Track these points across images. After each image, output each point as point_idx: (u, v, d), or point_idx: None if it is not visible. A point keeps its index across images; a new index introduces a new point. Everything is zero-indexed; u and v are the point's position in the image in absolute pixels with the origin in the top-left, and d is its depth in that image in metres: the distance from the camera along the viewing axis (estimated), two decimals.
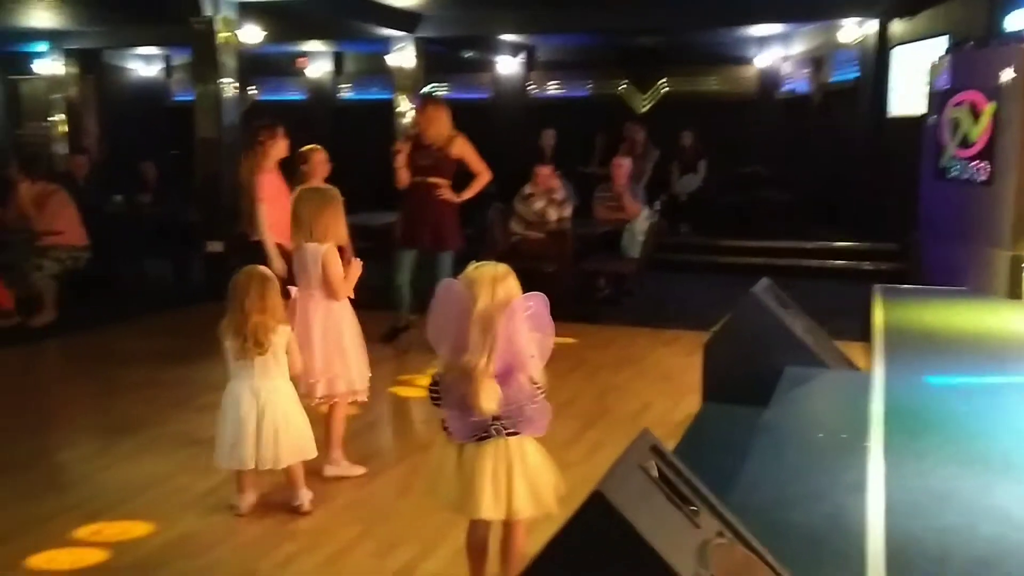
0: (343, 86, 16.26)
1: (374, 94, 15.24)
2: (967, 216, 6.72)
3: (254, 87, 15.29)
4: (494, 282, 2.78)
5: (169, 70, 16.26)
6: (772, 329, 4.55)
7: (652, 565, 1.98)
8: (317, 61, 15.76)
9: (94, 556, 3.48)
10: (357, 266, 4.29)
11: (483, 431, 2.84)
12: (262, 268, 3.83)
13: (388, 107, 13.28)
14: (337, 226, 4.22)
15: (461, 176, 6.77)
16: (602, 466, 4.15)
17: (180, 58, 15.43)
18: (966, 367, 4.41)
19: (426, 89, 13.34)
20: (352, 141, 12.85)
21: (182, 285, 9.38)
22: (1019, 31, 6.34)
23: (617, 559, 2.02)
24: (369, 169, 10.67)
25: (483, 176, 6.68)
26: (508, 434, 2.83)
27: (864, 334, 6.09)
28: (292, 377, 3.86)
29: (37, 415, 5.34)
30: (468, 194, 6.69)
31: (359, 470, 4.25)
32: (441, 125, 6.56)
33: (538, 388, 2.85)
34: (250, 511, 3.81)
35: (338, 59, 15.93)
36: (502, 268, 2.85)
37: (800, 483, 3.04)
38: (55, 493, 4.09)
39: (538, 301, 2.81)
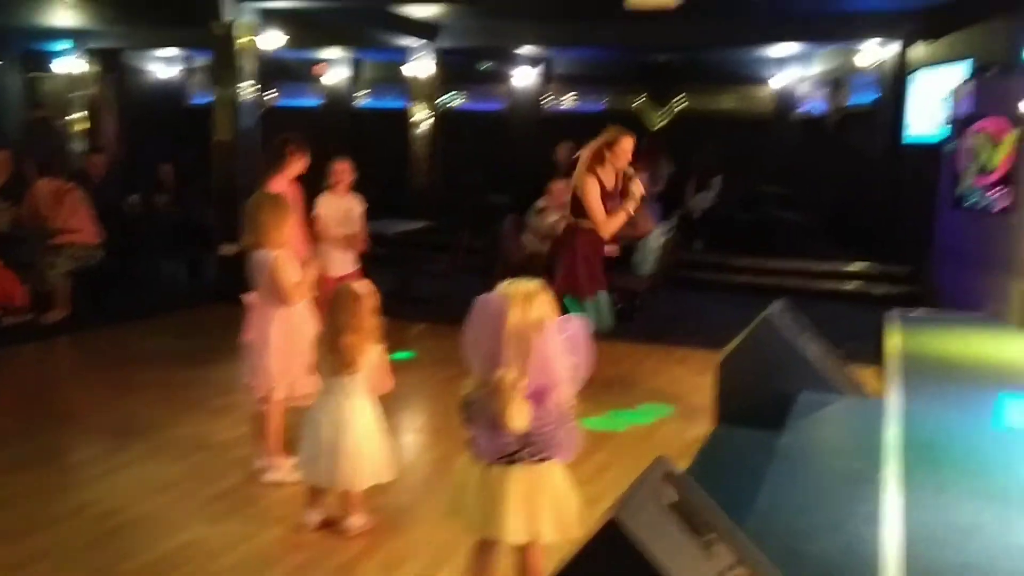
0: (359, 93, 16.30)
1: (390, 102, 15.29)
2: (983, 244, 6.68)
3: (272, 91, 15.34)
4: (528, 299, 2.77)
5: (189, 72, 16.32)
6: (786, 353, 4.52)
7: None
8: (335, 68, 15.80)
9: (101, 559, 3.47)
10: (312, 270, 4.30)
11: (511, 453, 2.82)
12: (356, 286, 3.79)
13: (403, 116, 13.31)
14: (285, 232, 4.22)
15: None
16: (609, 487, 4.21)
17: (200, 61, 15.48)
18: (984, 397, 4.36)
19: (443, 98, 13.39)
20: (367, 148, 12.90)
21: (195, 286, 9.40)
22: None
23: None
24: (384, 177, 10.70)
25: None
26: (538, 459, 2.82)
27: (876, 358, 6.04)
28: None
29: (48, 413, 5.33)
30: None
31: (296, 476, 4.06)
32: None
33: (570, 412, 2.83)
34: (314, 528, 3.76)
35: (356, 66, 15.98)
36: (535, 285, 2.84)
37: (816, 512, 3.00)
38: (64, 494, 4.09)
39: (576, 324, 2.80)
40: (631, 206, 5.84)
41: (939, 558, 2.61)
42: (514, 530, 2.82)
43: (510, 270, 6.96)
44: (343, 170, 6.33)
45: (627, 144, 5.82)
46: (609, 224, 5.84)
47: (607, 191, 5.84)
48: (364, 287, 3.73)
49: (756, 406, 4.42)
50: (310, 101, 16.30)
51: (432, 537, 3.65)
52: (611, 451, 4.85)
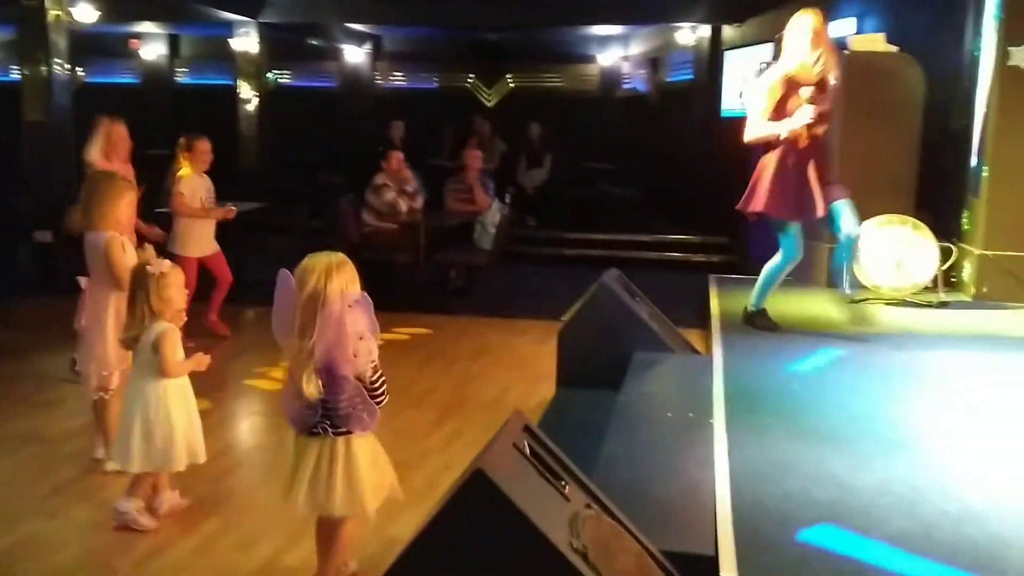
0: (180, 70, 15.63)
1: (213, 79, 14.74)
2: None
3: (81, 68, 14.45)
4: (327, 270, 2.82)
5: None
6: (622, 316, 4.78)
7: (530, 538, 2.09)
8: (151, 43, 15.06)
9: None
10: (145, 255, 4.19)
11: (312, 425, 2.90)
12: (158, 263, 3.63)
13: (229, 93, 12.90)
14: (118, 214, 4.12)
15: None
16: (462, 453, 4.35)
17: None
18: (795, 349, 4.78)
19: (271, 76, 13.06)
20: (190, 127, 12.43)
21: (5, 277, 8.79)
22: (840, 38, 6.86)
23: (497, 533, 2.12)
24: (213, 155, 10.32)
25: None
26: (336, 433, 2.89)
27: (701, 321, 6.47)
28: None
29: None
30: None
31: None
32: None
33: (372, 386, 2.91)
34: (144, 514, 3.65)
35: (173, 42, 15.29)
36: (337, 257, 2.89)
37: (655, 459, 3.24)
38: None
39: (362, 302, 2.84)
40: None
41: (762, 491, 2.89)
42: (304, 500, 2.92)
43: (350, 248, 6.95)
44: (206, 150, 6.36)
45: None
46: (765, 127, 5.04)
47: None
48: (167, 265, 3.62)
49: (595, 367, 4.65)
50: (127, 78, 15.48)
51: (285, 515, 3.63)
52: (461, 420, 4.99)
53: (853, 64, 6.47)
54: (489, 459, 2.17)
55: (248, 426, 5.18)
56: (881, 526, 2.64)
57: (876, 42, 6.80)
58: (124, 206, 4.12)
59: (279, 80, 14.79)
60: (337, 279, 2.85)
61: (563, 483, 2.41)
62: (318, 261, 2.87)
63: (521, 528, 2.09)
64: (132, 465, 3.56)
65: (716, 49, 11.35)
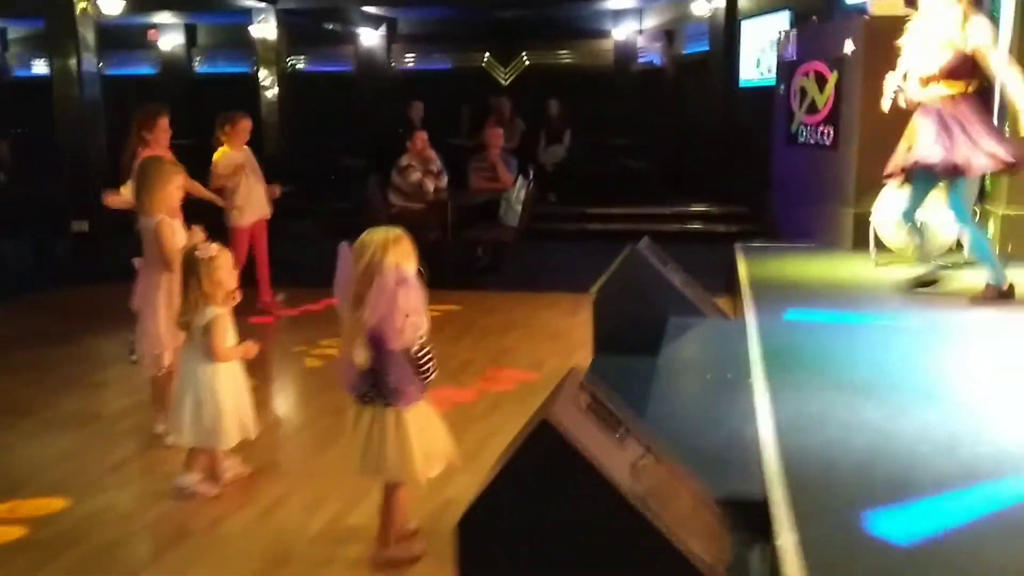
0: (198, 59, 15.77)
1: (231, 67, 14.89)
2: (815, 178, 7.32)
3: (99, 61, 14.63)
4: (384, 244, 2.98)
5: (6, 44, 15.30)
6: (656, 283, 4.91)
7: (595, 484, 2.24)
8: (169, 33, 15.20)
9: (13, 533, 3.47)
10: (195, 235, 4.26)
11: (363, 393, 3.07)
12: (207, 247, 3.77)
13: (247, 81, 13.04)
14: (166, 198, 4.26)
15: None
16: (505, 421, 4.51)
17: (16, 31, 14.54)
18: (825, 309, 4.90)
19: (290, 61, 13.17)
20: (210, 117, 12.58)
21: (44, 267, 9.00)
22: (859, 4, 6.93)
23: (563, 481, 2.26)
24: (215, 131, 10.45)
25: None
26: (385, 403, 3.04)
27: (728, 288, 6.58)
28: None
29: None
30: None
31: None
32: None
33: (419, 361, 3.05)
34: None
35: (190, 31, 15.42)
36: (395, 233, 3.05)
37: (698, 415, 3.38)
38: None
39: (415, 278, 2.98)
40: None
41: (805, 440, 3.02)
42: (359, 465, 3.10)
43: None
44: (246, 127, 6.64)
45: None
46: None
47: None
48: (215, 248, 3.75)
49: (631, 334, 4.77)
50: (145, 70, 15.64)
51: (344, 480, 3.80)
52: (500, 390, 5.14)
53: (874, 28, 6.54)
54: (553, 411, 2.31)
55: (295, 400, 5.36)
56: (923, 469, 2.77)
57: (895, 6, 6.85)
58: (173, 190, 4.28)
59: (296, 66, 14.92)
60: (393, 254, 2.99)
61: (620, 433, 2.55)
62: (376, 235, 3.02)
63: (587, 475, 2.23)
64: (183, 438, 3.74)
65: (732, 19, 11.38)
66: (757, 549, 2.53)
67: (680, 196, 11.61)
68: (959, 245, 6.16)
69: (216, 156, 6.55)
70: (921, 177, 5.09)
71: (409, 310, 2.99)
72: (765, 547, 2.53)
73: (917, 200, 5.19)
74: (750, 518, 2.61)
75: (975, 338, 4.40)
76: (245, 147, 6.68)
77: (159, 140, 5.70)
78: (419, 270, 3.10)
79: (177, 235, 4.23)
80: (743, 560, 2.43)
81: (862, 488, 2.66)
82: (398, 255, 3.01)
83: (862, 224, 6.46)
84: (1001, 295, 4.99)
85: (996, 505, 2.53)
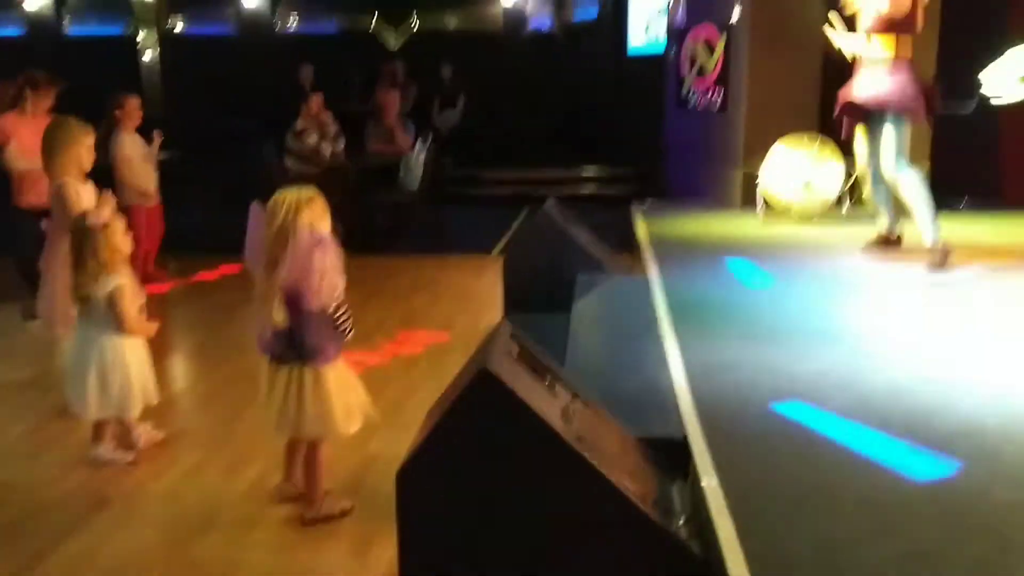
0: (68, 20, 14.95)
1: (107, 30, 14.19)
2: (705, 140, 7.60)
3: None
4: (297, 205, 3.00)
5: None
6: (563, 242, 5.04)
7: (536, 429, 2.33)
8: None
9: None
10: (105, 200, 4.01)
11: (280, 353, 3.09)
12: (100, 215, 3.68)
13: (123, 43, 12.48)
14: (74, 159, 4.15)
15: None
16: (421, 378, 4.57)
17: None
18: (723, 266, 5.14)
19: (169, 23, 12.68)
20: (83, 81, 12.02)
21: None
22: None
23: (505, 428, 2.34)
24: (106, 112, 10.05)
25: None
26: (302, 362, 3.08)
27: (624, 246, 6.79)
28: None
29: None
30: None
31: None
32: None
33: (336, 319, 3.09)
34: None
35: None
36: (307, 193, 3.07)
37: (616, 363, 3.53)
38: None
39: (329, 238, 3.02)
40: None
41: (717, 383, 3.21)
42: (275, 425, 3.14)
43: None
44: (135, 106, 6.30)
45: None
46: None
47: None
48: (107, 213, 3.65)
49: (540, 293, 4.90)
50: (8, 30, 14.73)
51: (264, 441, 3.80)
52: (413, 349, 5.19)
53: None
54: (491, 360, 2.39)
55: (209, 363, 5.26)
56: (826, 403, 2.99)
57: None
58: (82, 152, 4.14)
59: (175, 28, 14.34)
60: (306, 214, 3.02)
61: (549, 380, 2.66)
62: (288, 196, 3.04)
63: (527, 420, 2.33)
64: (89, 413, 3.66)
65: None
66: (677, 484, 2.69)
67: (572, 159, 11.79)
68: (839, 202, 6.53)
69: (123, 144, 6.28)
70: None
71: (325, 270, 3.02)
72: (684, 484, 2.70)
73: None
74: (670, 456, 2.77)
75: (867, 283, 4.73)
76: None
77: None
78: (333, 229, 3.12)
79: (83, 198, 4.09)
80: (667, 495, 2.59)
81: (772, 425, 2.86)
82: (312, 215, 3.03)
83: (750, 183, 6.77)
84: (888, 242, 5.35)
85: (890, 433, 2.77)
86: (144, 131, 6.55)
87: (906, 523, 2.24)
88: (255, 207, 3.12)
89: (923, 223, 4.96)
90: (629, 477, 2.44)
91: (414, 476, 2.41)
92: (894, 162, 5.03)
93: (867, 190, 5.61)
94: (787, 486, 2.45)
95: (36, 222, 4.56)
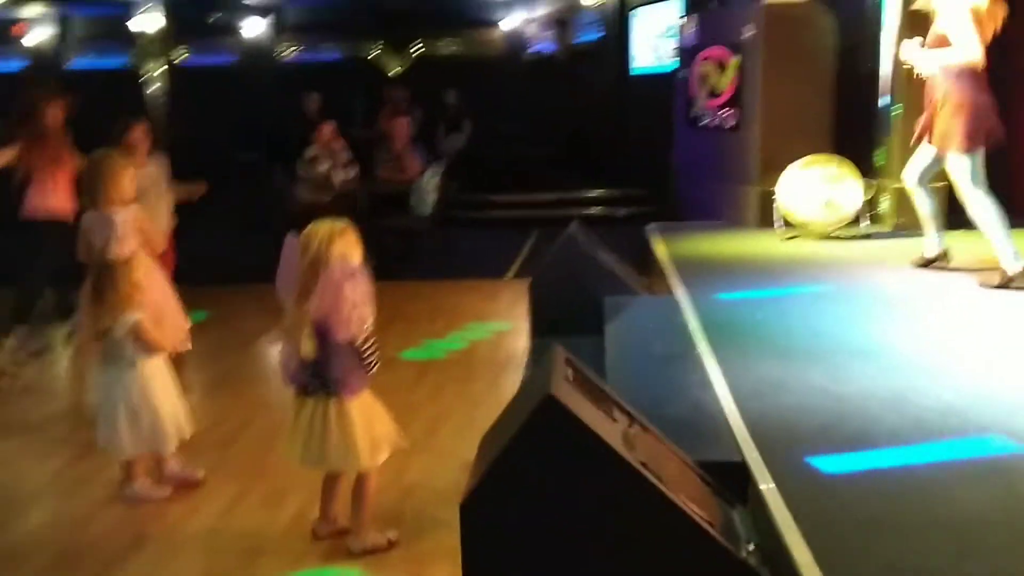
0: (72, 54, 15.00)
1: (110, 62, 14.23)
2: (718, 159, 7.60)
3: None
4: (330, 236, 3.00)
5: None
6: (590, 265, 5.02)
7: (604, 455, 2.30)
8: (39, 27, 14.40)
9: None
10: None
11: (307, 384, 3.07)
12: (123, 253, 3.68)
13: (129, 76, 12.51)
14: (121, 190, 4.16)
15: None
16: (452, 403, 4.53)
17: None
18: (747, 284, 5.11)
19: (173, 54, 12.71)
20: (87, 115, 12.04)
21: None
22: None
23: (572, 455, 2.30)
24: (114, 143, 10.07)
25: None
26: (329, 393, 3.06)
27: (641, 268, 6.77)
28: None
29: None
30: None
31: None
32: None
33: (363, 352, 3.08)
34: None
35: (65, 24, 14.65)
36: (340, 224, 3.06)
37: (658, 387, 3.50)
38: None
39: (361, 270, 3.01)
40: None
41: (764, 403, 3.18)
42: (299, 457, 3.13)
43: (290, 222, 6.95)
44: (142, 133, 5.93)
45: None
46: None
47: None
48: (129, 249, 3.70)
49: (568, 316, 4.86)
50: (10, 65, 14.76)
51: (303, 472, 3.76)
52: (439, 374, 5.15)
53: (771, 14, 6.84)
54: (554, 386, 2.36)
55: (239, 397, 5.21)
56: (877, 425, 2.96)
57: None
58: (127, 182, 4.14)
59: (179, 58, 14.39)
60: (339, 245, 3.00)
61: (607, 406, 2.62)
62: (322, 227, 3.03)
63: (594, 447, 2.29)
64: (123, 452, 3.61)
65: (622, 8, 11.63)
66: (738, 510, 2.65)
67: (577, 182, 11.80)
68: (856, 220, 6.52)
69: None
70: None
71: (356, 301, 3.00)
72: (744, 509, 2.66)
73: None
74: (724, 480, 2.73)
75: (896, 299, 4.70)
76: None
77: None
78: (365, 261, 3.10)
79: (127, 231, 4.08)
80: (730, 521, 2.55)
81: (826, 446, 2.82)
82: (344, 246, 3.02)
83: (766, 201, 6.76)
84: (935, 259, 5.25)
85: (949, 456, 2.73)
86: None
87: (983, 545, 2.20)
88: (289, 238, 3.10)
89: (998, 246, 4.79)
90: (696, 503, 2.41)
91: (479, 507, 2.36)
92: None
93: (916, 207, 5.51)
94: (856, 509, 2.41)
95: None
